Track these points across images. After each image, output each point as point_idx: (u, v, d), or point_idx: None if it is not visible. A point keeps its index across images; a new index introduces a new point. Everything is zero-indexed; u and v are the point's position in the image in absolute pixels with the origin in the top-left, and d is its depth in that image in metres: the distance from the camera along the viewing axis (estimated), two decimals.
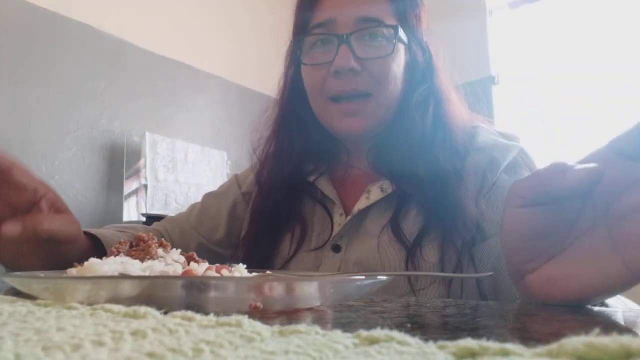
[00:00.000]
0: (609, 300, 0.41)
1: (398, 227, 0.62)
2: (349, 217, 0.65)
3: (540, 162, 0.66)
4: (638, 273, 0.31)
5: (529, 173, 0.62)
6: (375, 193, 0.65)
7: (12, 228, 0.44)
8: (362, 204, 0.65)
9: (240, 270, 0.39)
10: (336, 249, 0.65)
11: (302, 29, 0.68)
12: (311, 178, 0.71)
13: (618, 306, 0.42)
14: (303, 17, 0.68)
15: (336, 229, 0.66)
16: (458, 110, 0.69)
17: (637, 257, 0.31)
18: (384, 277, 0.34)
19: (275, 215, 0.70)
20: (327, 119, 0.67)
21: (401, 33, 0.64)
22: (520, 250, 0.36)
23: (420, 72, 0.68)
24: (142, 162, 2.08)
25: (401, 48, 0.65)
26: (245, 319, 0.21)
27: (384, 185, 0.66)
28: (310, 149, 0.72)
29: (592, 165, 0.32)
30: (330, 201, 0.69)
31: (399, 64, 0.65)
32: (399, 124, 0.67)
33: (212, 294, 0.29)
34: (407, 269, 0.60)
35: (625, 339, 0.14)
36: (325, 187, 0.70)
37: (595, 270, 0.33)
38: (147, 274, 0.35)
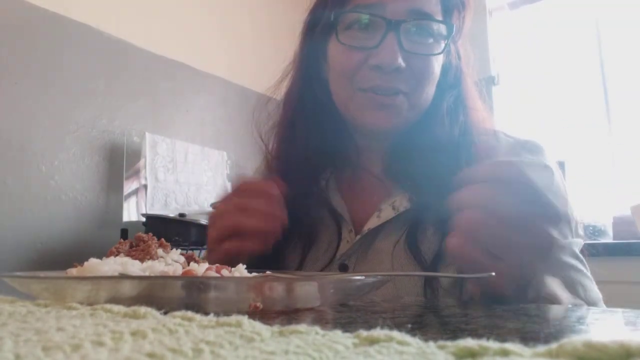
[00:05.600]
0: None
1: (416, 247, 0.58)
2: (358, 237, 0.61)
3: (561, 185, 0.64)
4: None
5: (551, 191, 0.60)
6: (386, 211, 0.61)
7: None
8: (372, 223, 0.61)
9: (240, 270, 0.39)
10: (343, 268, 0.62)
11: (338, 6, 0.61)
12: (320, 183, 0.66)
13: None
14: None
15: (344, 245, 0.62)
16: (483, 121, 0.65)
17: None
18: (384, 278, 0.34)
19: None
20: (352, 108, 0.62)
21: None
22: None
23: (452, 76, 0.64)
24: (142, 162, 2.08)
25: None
26: (245, 319, 0.21)
27: (395, 202, 0.61)
28: (322, 144, 0.66)
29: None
30: (338, 216, 0.64)
31: (439, 65, 0.61)
32: (424, 129, 0.62)
33: (212, 294, 0.29)
34: (425, 293, 0.56)
35: (625, 339, 0.14)
36: (335, 200, 0.65)
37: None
38: (147, 274, 0.35)
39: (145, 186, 2.07)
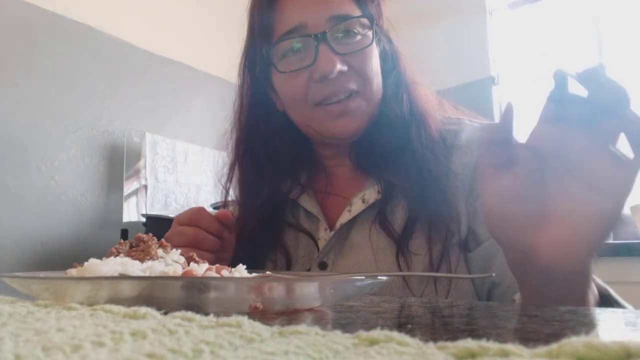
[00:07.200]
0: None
1: (387, 222, 0.61)
2: (332, 233, 0.64)
3: None
4: (616, 199, 0.35)
5: None
6: (357, 205, 0.64)
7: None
8: (344, 218, 0.64)
9: (240, 270, 0.39)
10: (322, 266, 0.64)
11: (264, 38, 0.64)
12: (292, 195, 0.69)
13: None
14: (264, 26, 0.64)
15: (321, 244, 0.65)
16: (426, 96, 0.67)
17: (604, 185, 0.34)
18: (384, 278, 0.34)
19: (256, 246, 0.68)
20: (315, 125, 0.64)
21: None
22: (503, 218, 0.38)
23: (389, 61, 0.67)
24: (142, 162, 2.09)
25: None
26: (245, 320, 0.21)
27: (365, 196, 0.64)
28: (283, 164, 0.69)
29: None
30: (314, 217, 0.67)
31: (376, 57, 0.64)
32: (379, 117, 0.65)
33: (212, 294, 0.29)
34: (398, 264, 0.59)
35: (625, 340, 0.14)
36: (308, 203, 0.68)
37: (588, 215, 0.35)
38: (147, 274, 0.35)
39: (145, 186, 2.07)
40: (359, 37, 0.62)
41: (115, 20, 2.09)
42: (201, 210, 0.64)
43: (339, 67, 0.59)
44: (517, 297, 0.48)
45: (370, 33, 0.63)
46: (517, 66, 2.51)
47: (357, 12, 0.63)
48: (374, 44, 0.63)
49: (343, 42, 0.61)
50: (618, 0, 2.28)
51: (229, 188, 0.73)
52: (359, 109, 0.62)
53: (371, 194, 0.64)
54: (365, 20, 0.62)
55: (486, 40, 2.52)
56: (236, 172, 0.72)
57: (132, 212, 2.03)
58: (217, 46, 2.51)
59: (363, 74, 0.62)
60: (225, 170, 0.73)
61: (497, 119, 2.33)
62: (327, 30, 0.60)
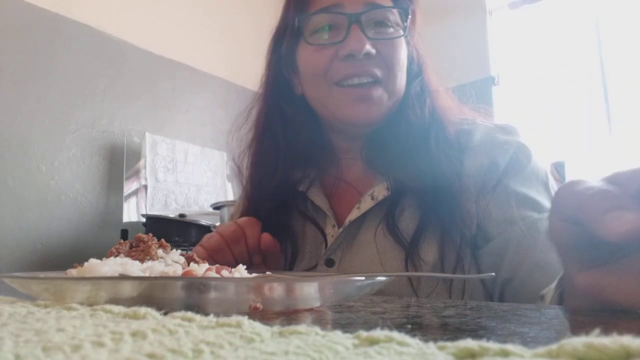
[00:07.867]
0: None
1: (395, 228, 0.60)
2: (340, 230, 0.63)
3: (539, 163, 0.65)
4: None
5: (529, 168, 0.61)
6: (366, 202, 0.63)
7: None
8: (353, 215, 0.63)
9: (240, 271, 0.39)
10: (330, 263, 0.63)
11: (299, 12, 0.65)
12: (301, 187, 0.68)
13: None
14: (301, 4, 0.65)
15: (329, 240, 0.64)
16: (447, 103, 0.68)
17: None
18: (384, 278, 0.34)
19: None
20: (331, 106, 0.64)
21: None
22: (565, 255, 0.36)
23: (416, 65, 0.68)
24: (142, 162, 2.09)
25: (403, 38, 0.65)
26: (245, 320, 0.21)
27: (374, 192, 0.63)
28: (297, 152, 0.68)
29: (633, 218, 0.27)
30: (322, 213, 0.67)
31: (404, 52, 0.65)
32: (397, 117, 0.65)
33: (212, 294, 0.29)
34: (407, 270, 0.59)
35: (625, 340, 0.14)
36: (317, 197, 0.67)
37: None
38: (147, 274, 0.35)
39: (145, 186, 2.07)
40: (390, 29, 0.63)
41: (115, 20, 2.09)
42: (256, 222, 0.63)
43: (368, 48, 0.60)
44: (546, 292, 0.46)
45: (401, 30, 0.64)
46: (517, 66, 2.51)
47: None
48: (403, 39, 0.64)
49: (375, 29, 0.62)
50: (618, 1, 2.28)
51: (243, 168, 0.72)
52: (380, 98, 0.62)
53: (380, 191, 0.63)
54: (398, 16, 0.64)
55: (486, 40, 2.52)
56: (250, 155, 0.73)
57: (132, 212, 2.03)
58: (217, 46, 2.51)
59: (389, 63, 0.62)
60: (242, 147, 0.73)
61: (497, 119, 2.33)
62: (361, 13, 0.60)
